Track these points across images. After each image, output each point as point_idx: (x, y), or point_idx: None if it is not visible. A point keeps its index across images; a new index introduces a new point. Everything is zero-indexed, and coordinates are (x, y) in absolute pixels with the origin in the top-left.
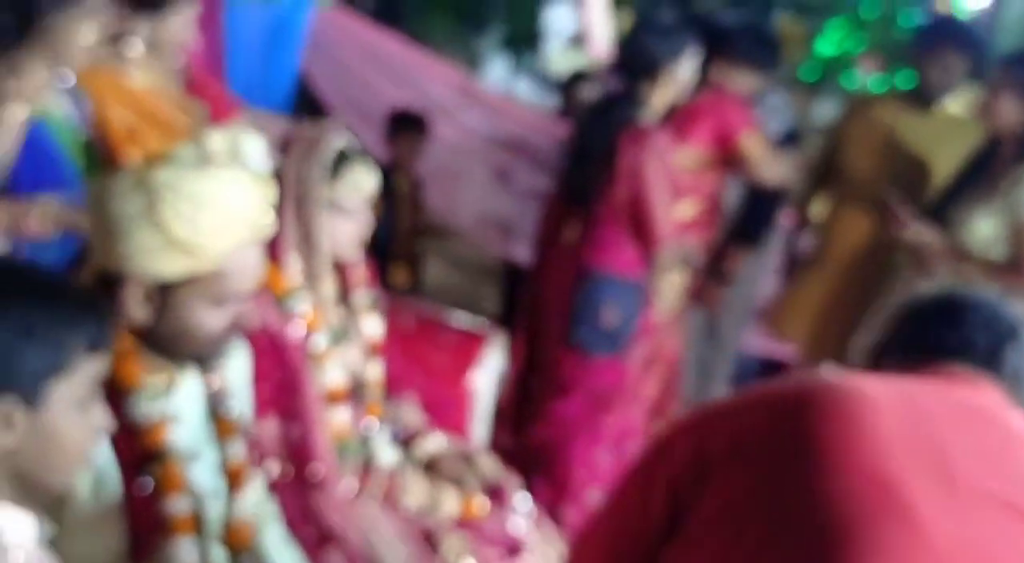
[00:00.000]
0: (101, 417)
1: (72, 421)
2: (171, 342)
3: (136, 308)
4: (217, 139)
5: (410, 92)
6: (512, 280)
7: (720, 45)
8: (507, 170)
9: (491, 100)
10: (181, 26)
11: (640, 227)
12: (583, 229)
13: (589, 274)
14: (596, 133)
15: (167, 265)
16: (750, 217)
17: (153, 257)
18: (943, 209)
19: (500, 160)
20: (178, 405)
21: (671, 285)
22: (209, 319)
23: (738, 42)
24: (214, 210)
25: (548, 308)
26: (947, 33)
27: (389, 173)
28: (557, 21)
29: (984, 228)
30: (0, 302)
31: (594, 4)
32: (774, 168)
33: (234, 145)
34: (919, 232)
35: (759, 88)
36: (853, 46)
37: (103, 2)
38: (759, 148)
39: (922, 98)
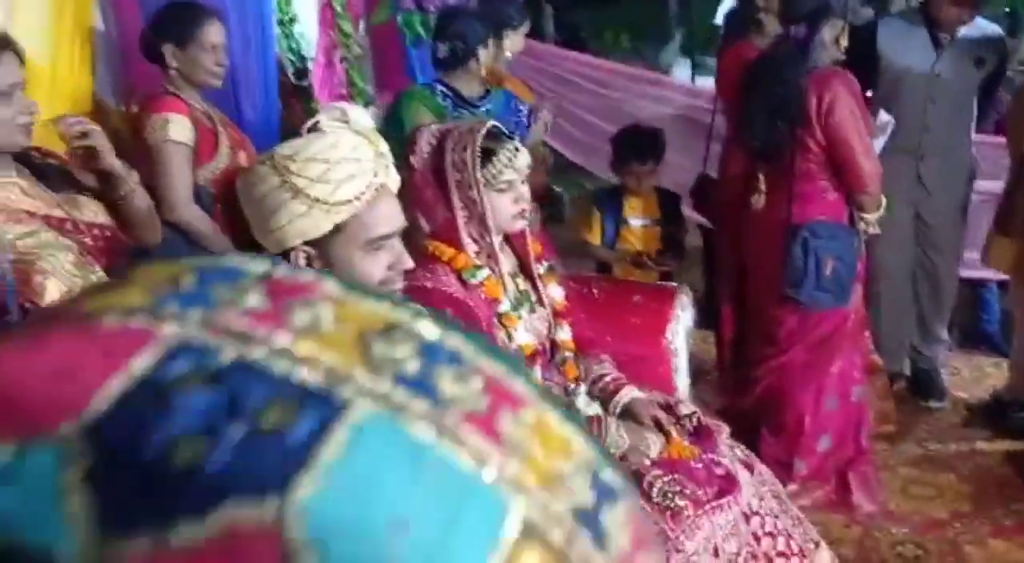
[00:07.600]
0: None
1: None
2: None
3: None
4: (323, 114)
5: (604, 100)
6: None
7: None
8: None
9: (683, 87)
10: None
11: (843, 172)
12: (783, 185)
13: (801, 228)
14: (777, 84)
15: (317, 224)
16: None
17: (303, 222)
18: None
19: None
20: None
21: (876, 223)
22: (367, 265)
23: None
24: (336, 164)
25: (757, 269)
26: None
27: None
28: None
29: None
30: None
31: None
32: None
33: (341, 114)
34: None
35: None
36: None
37: None
38: None
39: None
